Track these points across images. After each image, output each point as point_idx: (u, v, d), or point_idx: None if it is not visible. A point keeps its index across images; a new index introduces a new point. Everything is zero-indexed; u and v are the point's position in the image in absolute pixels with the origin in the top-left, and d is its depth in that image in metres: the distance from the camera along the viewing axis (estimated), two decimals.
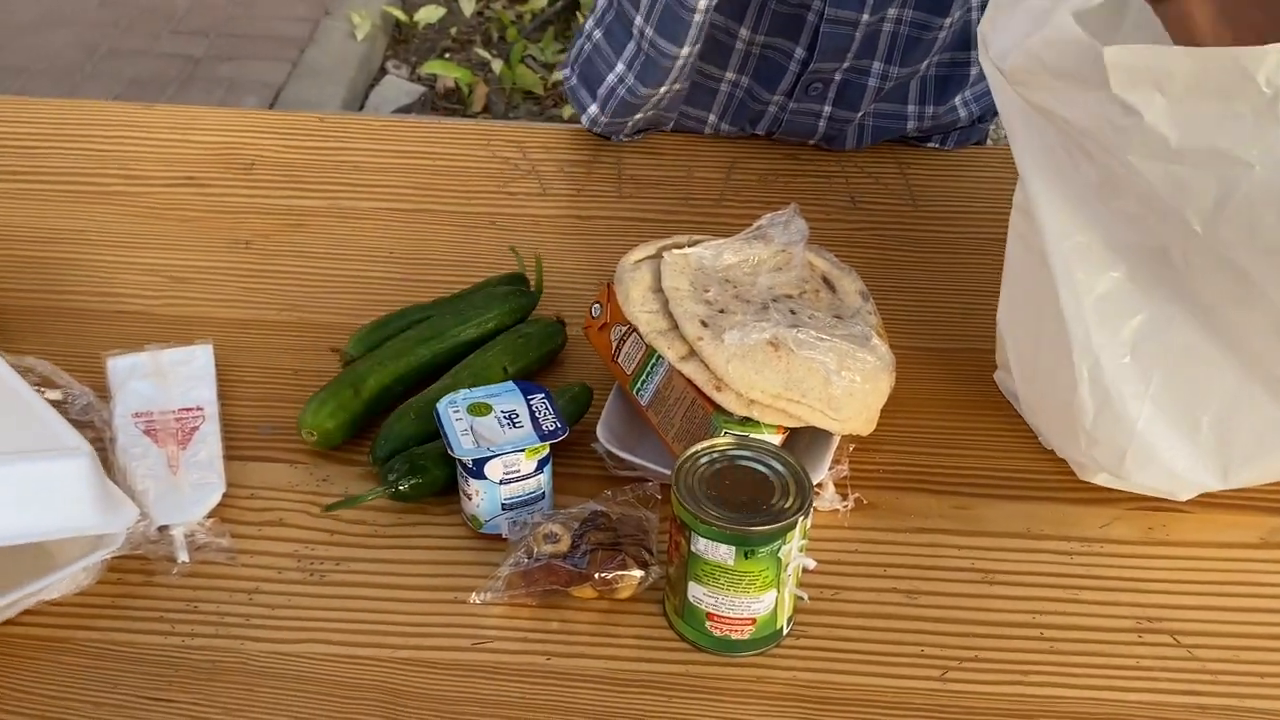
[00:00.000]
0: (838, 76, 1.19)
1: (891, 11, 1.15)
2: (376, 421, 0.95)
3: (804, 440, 0.92)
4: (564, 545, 0.85)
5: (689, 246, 0.95)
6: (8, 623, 0.81)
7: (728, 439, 0.83)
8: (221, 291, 1.09)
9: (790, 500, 0.78)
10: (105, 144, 1.26)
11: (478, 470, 0.87)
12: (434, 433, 0.91)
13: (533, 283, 1.06)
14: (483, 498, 0.88)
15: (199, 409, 0.95)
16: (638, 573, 0.84)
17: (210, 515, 0.89)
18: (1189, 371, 0.86)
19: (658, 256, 0.94)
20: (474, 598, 0.85)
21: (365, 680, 0.80)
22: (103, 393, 0.96)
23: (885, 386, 0.91)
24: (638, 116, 1.23)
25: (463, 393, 0.91)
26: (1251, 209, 0.74)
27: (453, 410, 0.89)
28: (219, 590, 0.85)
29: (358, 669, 0.81)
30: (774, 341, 0.85)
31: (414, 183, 1.23)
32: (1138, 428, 0.87)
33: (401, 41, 3.49)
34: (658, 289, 0.91)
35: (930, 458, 0.97)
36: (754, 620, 0.80)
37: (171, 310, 1.07)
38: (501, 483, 0.87)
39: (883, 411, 0.92)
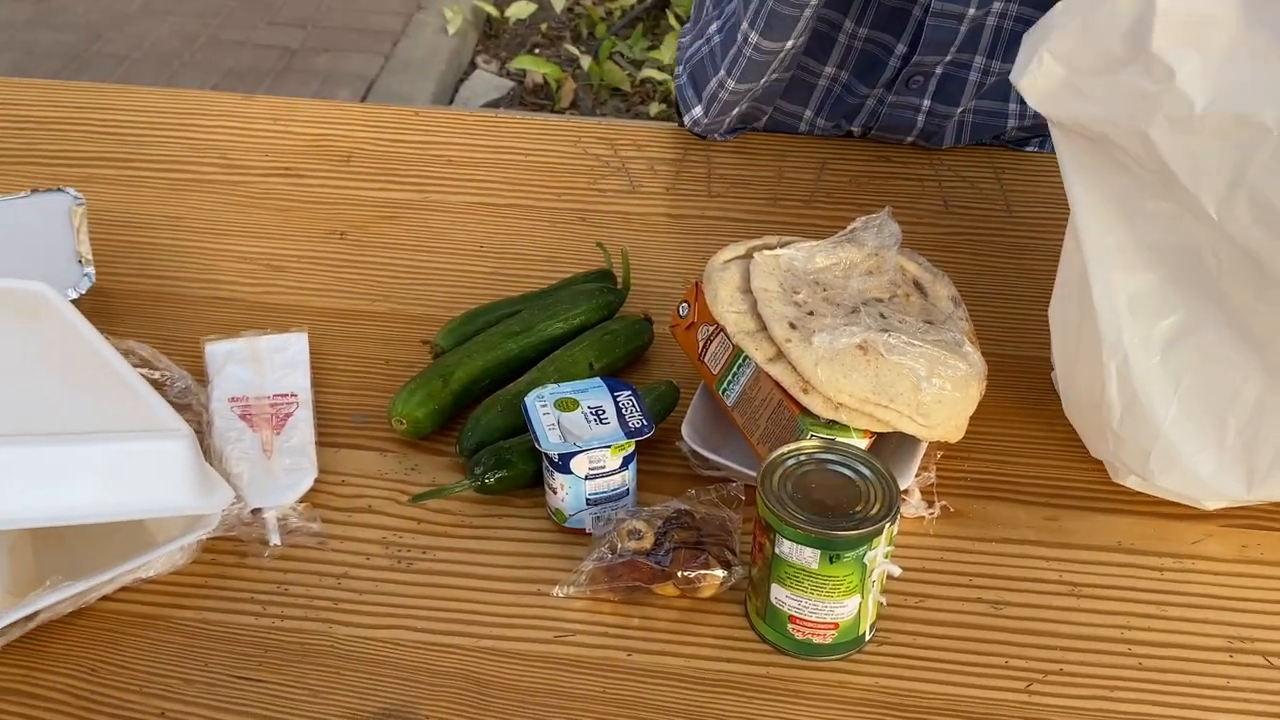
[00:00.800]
0: (939, 70, 1.18)
1: (998, 5, 1.14)
2: (464, 412, 0.96)
3: (890, 445, 0.91)
4: (647, 542, 0.85)
5: (779, 247, 0.94)
6: (107, 598, 0.83)
7: (815, 442, 0.82)
8: (316, 281, 1.11)
9: (877, 506, 0.78)
10: (205, 133, 1.29)
11: (563, 465, 0.87)
12: (520, 425, 0.92)
13: (620, 279, 1.07)
14: (568, 492, 0.88)
15: (293, 395, 0.97)
16: (720, 573, 0.84)
17: (302, 500, 0.90)
18: (1218, 375, 0.84)
19: (747, 257, 0.94)
20: (557, 591, 0.85)
21: (450, 668, 0.81)
22: (200, 377, 0.98)
23: (976, 394, 0.90)
24: (735, 112, 1.22)
25: (550, 387, 0.92)
26: (1265, 181, 0.74)
27: (540, 405, 0.90)
28: (308, 574, 0.87)
29: (442, 656, 0.82)
30: (864, 345, 0.85)
31: (505, 178, 1.24)
32: (1164, 429, 0.85)
33: (492, 36, 3.52)
34: (746, 289, 0.91)
35: (1019, 467, 0.95)
36: (837, 625, 0.80)
37: (267, 298, 1.09)
38: (587, 478, 0.88)
39: (971, 419, 0.91)
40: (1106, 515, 0.92)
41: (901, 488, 0.87)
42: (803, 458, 0.81)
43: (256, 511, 0.88)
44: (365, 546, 0.89)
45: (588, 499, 0.89)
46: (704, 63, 1.23)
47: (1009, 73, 1.18)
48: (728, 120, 1.24)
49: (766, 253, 0.92)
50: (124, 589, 0.84)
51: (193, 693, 0.79)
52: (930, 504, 0.91)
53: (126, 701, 0.79)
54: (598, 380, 0.93)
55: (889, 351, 0.85)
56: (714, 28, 1.23)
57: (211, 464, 0.89)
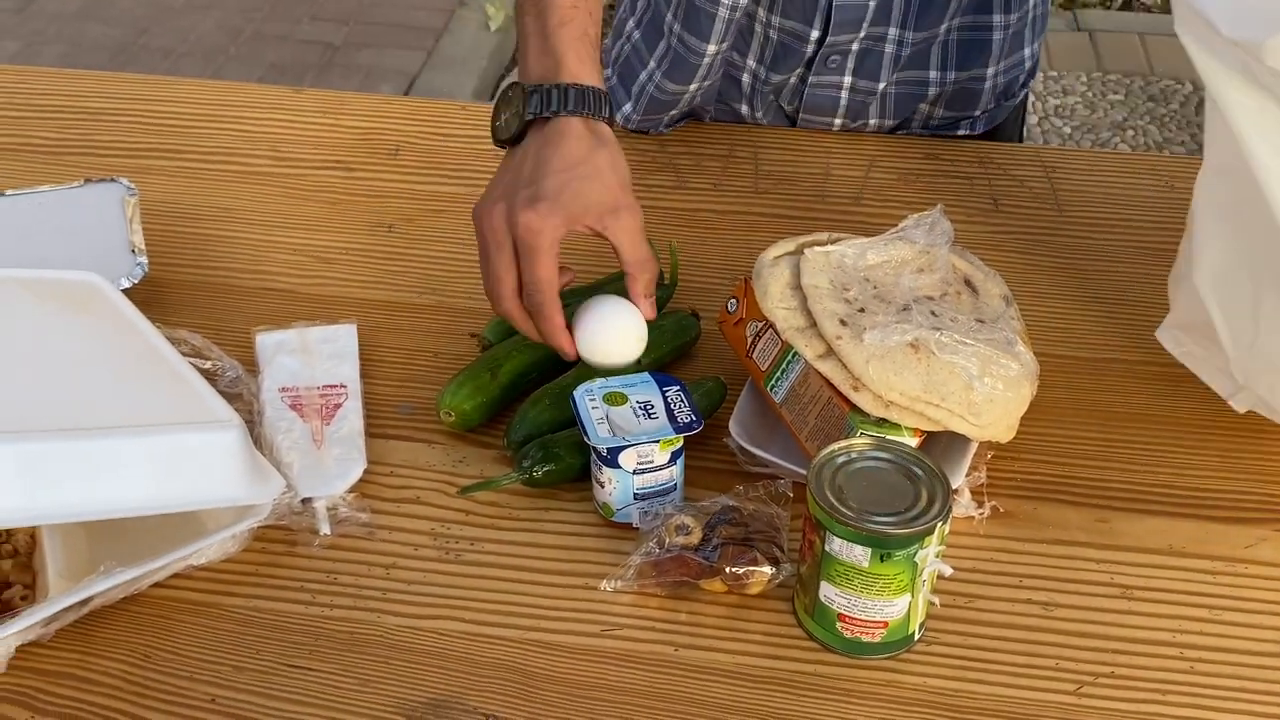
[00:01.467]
0: (855, 47, 1.18)
1: None
2: (511, 405, 0.96)
3: (940, 445, 0.90)
4: (695, 538, 0.85)
5: (829, 244, 0.94)
6: (159, 585, 0.84)
7: (865, 439, 0.82)
8: (365, 273, 1.12)
9: (929, 504, 0.78)
10: (255, 125, 1.30)
11: (612, 459, 0.87)
12: (567, 419, 0.92)
13: (668, 275, 1.07)
14: (615, 486, 0.88)
15: (342, 386, 0.97)
16: (769, 569, 0.84)
17: (351, 490, 0.91)
18: None
19: (797, 253, 0.94)
20: (604, 585, 0.85)
21: (497, 659, 0.81)
22: (251, 367, 0.99)
23: (1028, 394, 0.89)
24: (672, 113, 1.23)
25: (599, 382, 0.92)
26: None
27: (589, 399, 0.90)
28: (358, 563, 0.87)
29: (490, 647, 0.82)
30: (915, 343, 0.84)
31: None
32: None
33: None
34: (796, 286, 0.91)
35: (1070, 468, 0.95)
36: (886, 624, 0.80)
37: (317, 289, 1.10)
38: (635, 473, 0.88)
39: (1022, 419, 0.91)
40: (1158, 518, 0.91)
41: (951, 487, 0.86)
42: (854, 455, 0.80)
43: (307, 501, 0.89)
44: (413, 537, 0.89)
45: (635, 493, 0.88)
46: (630, 59, 1.25)
47: (925, 42, 1.18)
48: (665, 119, 1.25)
49: (817, 249, 0.92)
50: (176, 576, 0.85)
51: (243, 680, 0.80)
52: (980, 504, 0.90)
53: (178, 687, 0.79)
54: (646, 375, 0.93)
55: (941, 350, 0.84)
56: (630, 24, 1.26)
57: (262, 453, 0.89)
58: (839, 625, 0.80)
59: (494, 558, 0.88)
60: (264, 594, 0.85)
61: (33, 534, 0.85)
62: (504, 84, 0.95)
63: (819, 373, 0.87)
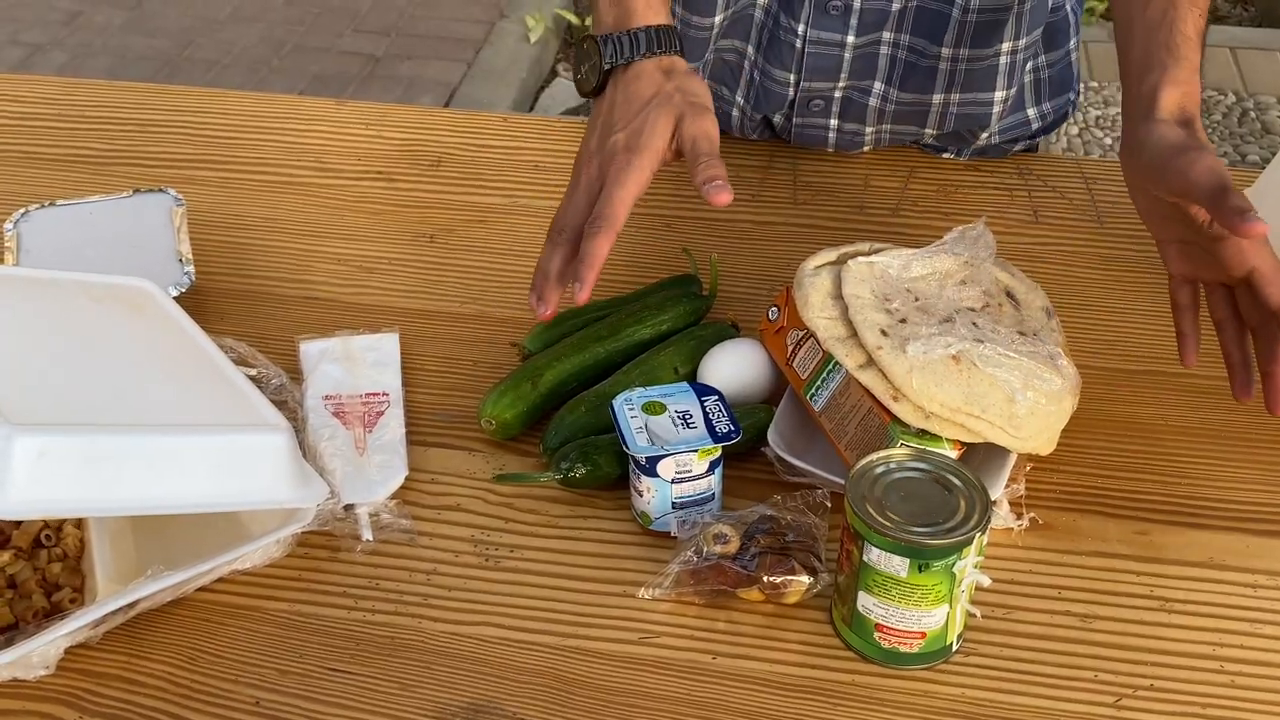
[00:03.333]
0: (837, 94, 1.20)
1: (887, 35, 1.16)
2: (551, 414, 0.97)
3: (978, 457, 0.90)
4: (733, 546, 0.85)
5: (870, 254, 0.94)
6: (204, 589, 0.86)
7: (905, 450, 0.82)
8: (407, 282, 1.13)
9: (968, 515, 0.78)
10: (299, 137, 1.31)
11: (650, 468, 0.88)
12: (603, 426, 0.93)
13: (707, 285, 1.07)
14: (654, 495, 0.89)
15: (384, 394, 0.98)
16: (806, 579, 0.84)
17: (393, 497, 0.92)
18: None
19: (838, 263, 0.94)
20: (642, 593, 0.86)
21: (536, 665, 0.82)
22: (295, 374, 1.00)
23: (1069, 407, 0.89)
24: None
25: (638, 390, 0.92)
26: None
27: (628, 408, 0.91)
28: (399, 569, 0.88)
29: (529, 654, 0.83)
30: (957, 356, 0.85)
31: None
32: None
33: (573, 44, 3.54)
34: (837, 295, 0.91)
35: (1109, 481, 0.94)
36: (924, 634, 0.80)
37: (359, 298, 1.11)
38: (673, 481, 0.88)
39: (1061, 431, 0.90)
40: (1197, 531, 0.91)
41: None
42: (893, 465, 0.80)
43: (349, 507, 0.90)
44: (454, 544, 0.90)
45: (673, 502, 0.89)
46: None
47: (914, 104, 1.20)
48: None
49: (860, 260, 0.92)
50: (221, 580, 0.86)
51: (287, 683, 0.81)
52: (1019, 516, 0.90)
53: (223, 690, 0.81)
54: (685, 384, 0.93)
55: (983, 363, 0.84)
56: None
57: (306, 459, 0.91)
58: (876, 635, 0.81)
59: (533, 564, 0.89)
60: (307, 599, 0.86)
61: (81, 538, 0.87)
62: (581, 37, 1.00)
63: (859, 382, 0.87)
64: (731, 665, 0.82)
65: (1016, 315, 0.93)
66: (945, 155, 1.27)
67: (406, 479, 0.93)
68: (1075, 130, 3.02)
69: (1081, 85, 3.15)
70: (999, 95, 1.19)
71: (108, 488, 0.77)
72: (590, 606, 0.86)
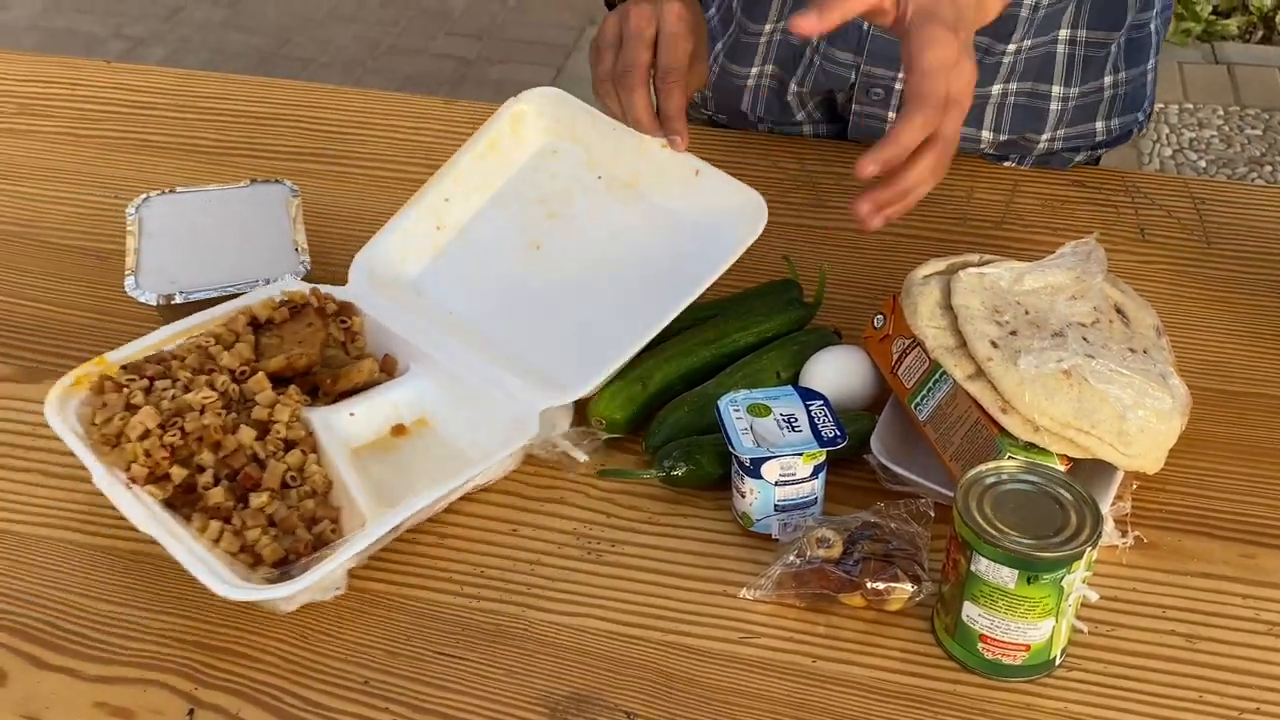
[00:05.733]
0: (896, 85, 1.20)
1: None
2: (655, 414, 0.98)
3: (1083, 474, 0.90)
4: (836, 551, 0.86)
5: (979, 265, 0.94)
6: None
7: (1014, 462, 0.82)
8: None
9: (1079, 529, 0.77)
10: (407, 134, 1.34)
11: (754, 470, 0.88)
12: (706, 426, 0.94)
13: (814, 293, 1.08)
14: (756, 497, 0.90)
15: None
16: (910, 586, 0.84)
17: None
18: None
19: (947, 273, 0.94)
20: (744, 593, 0.87)
21: (637, 659, 0.83)
22: None
23: (1178, 426, 0.88)
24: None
25: (743, 393, 0.93)
26: None
27: (733, 409, 0.91)
28: (504, 558, 0.90)
29: (630, 647, 0.84)
30: (1069, 371, 0.84)
31: None
32: None
33: None
34: (946, 305, 0.92)
35: (1216, 502, 0.94)
36: (1028, 647, 0.80)
37: None
38: (777, 484, 0.89)
39: (1169, 450, 0.90)
40: None
41: None
42: (1003, 476, 0.80)
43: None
44: (557, 536, 0.91)
45: (776, 505, 0.90)
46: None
47: (976, 98, 1.17)
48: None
49: (972, 271, 0.92)
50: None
51: (395, 664, 0.83)
52: (1124, 533, 0.90)
53: (333, 669, 0.83)
54: (789, 388, 0.94)
55: (1095, 379, 0.84)
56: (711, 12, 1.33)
57: None
58: (980, 646, 0.81)
59: (635, 559, 0.90)
60: (415, 583, 0.88)
61: (325, 475, 0.91)
62: None
63: (967, 393, 0.87)
64: (832, 669, 0.83)
65: (1127, 332, 0.92)
66: (1007, 164, 1.27)
67: (516, 471, 0.95)
68: (1169, 152, 2.99)
69: (1177, 106, 3.11)
70: (1056, 90, 1.19)
71: None
72: (691, 604, 0.87)
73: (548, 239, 1.07)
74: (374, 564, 0.89)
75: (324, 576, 0.83)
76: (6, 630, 0.85)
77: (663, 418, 0.97)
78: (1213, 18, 3.32)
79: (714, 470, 0.93)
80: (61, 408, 0.91)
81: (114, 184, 1.27)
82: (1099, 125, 1.25)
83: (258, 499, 0.87)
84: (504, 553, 0.90)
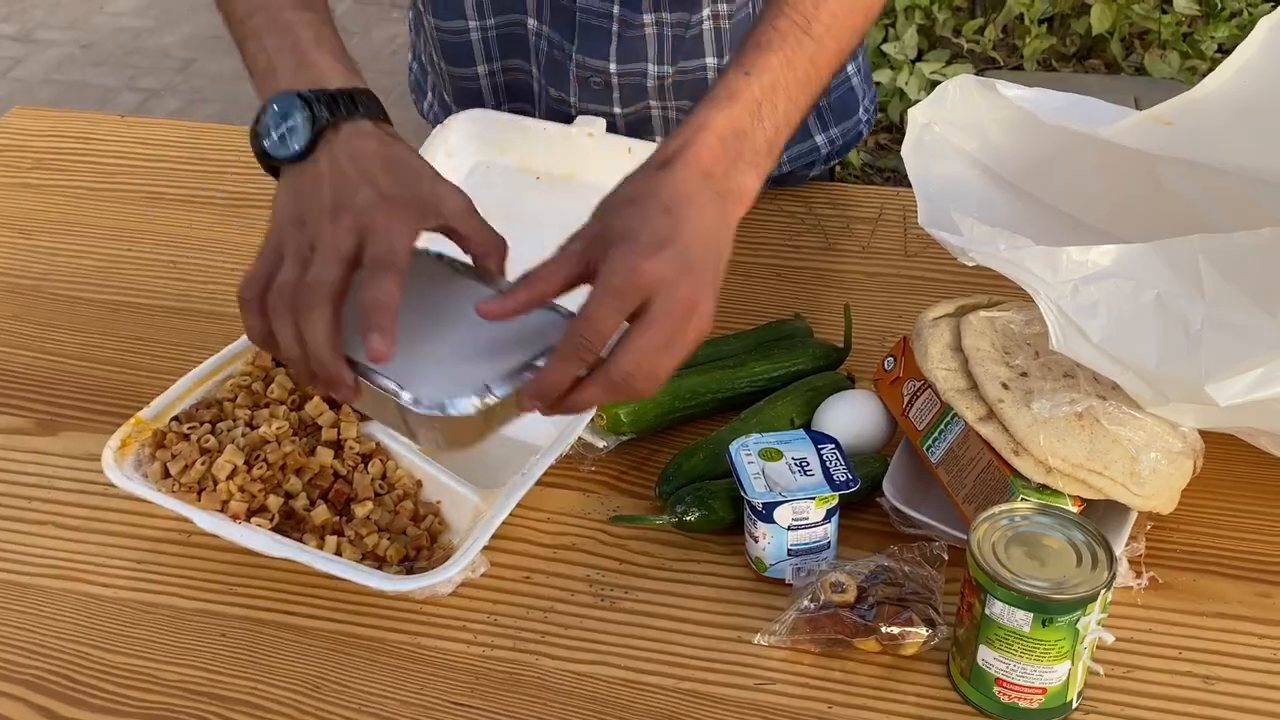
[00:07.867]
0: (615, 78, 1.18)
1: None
2: (662, 432, 1.00)
3: (1096, 515, 0.90)
4: (850, 595, 0.85)
5: (989, 307, 0.94)
6: (327, 619, 0.88)
7: (1028, 504, 0.82)
8: None
9: (1093, 571, 0.77)
10: None
11: (767, 514, 0.88)
12: (718, 473, 0.94)
13: (843, 336, 1.08)
14: (769, 541, 0.89)
15: None
16: (925, 630, 0.84)
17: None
18: None
19: (957, 315, 0.95)
20: (758, 639, 0.86)
21: (652, 707, 0.83)
22: None
23: (1189, 469, 0.88)
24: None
25: (754, 437, 0.93)
26: None
27: (745, 453, 0.91)
28: (516, 605, 0.89)
29: (644, 695, 0.83)
30: (1082, 413, 0.84)
31: None
32: None
33: None
34: (957, 347, 0.92)
35: (1231, 541, 0.93)
36: (1045, 690, 0.79)
37: None
38: (790, 528, 0.89)
39: (1182, 490, 0.90)
40: None
41: None
42: (1017, 519, 0.80)
43: None
44: (569, 583, 0.91)
45: (789, 549, 0.89)
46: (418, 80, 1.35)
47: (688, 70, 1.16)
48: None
49: (982, 314, 0.92)
50: (346, 612, 0.88)
51: (408, 714, 0.82)
52: (1138, 574, 0.89)
53: (346, 719, 0.82)
54: (801, 432, 0.94)
55: (1108, 421, 0.84)
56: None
57: None
58: (996, 690, 0.80)
59: (648, 606, 0.90)
60: (427, 631, 0.88)
61: (411, 475, 0.95)
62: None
63: (979, 435, 0.87)
64: (848, 715, 0.82)
65: None
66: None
67: (520, 518, 0.95)
68: None
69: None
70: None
71: None
72: (705, 650, 0.86)
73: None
74: (386, 614, 0.88)
75: (467, 564, 0.86)
76: (20, 683, 0.85)
77: (676, 464, 0.97)
78: (1218, 55, 3.34)
79: (727, 515, 0.93)
80: (121, 468, 0.92)
81: (128, 236, 1.28)
82: (818, 139, 1.27)
83: (361, 508, 0.91)
84: (517, 600, 0.90)
